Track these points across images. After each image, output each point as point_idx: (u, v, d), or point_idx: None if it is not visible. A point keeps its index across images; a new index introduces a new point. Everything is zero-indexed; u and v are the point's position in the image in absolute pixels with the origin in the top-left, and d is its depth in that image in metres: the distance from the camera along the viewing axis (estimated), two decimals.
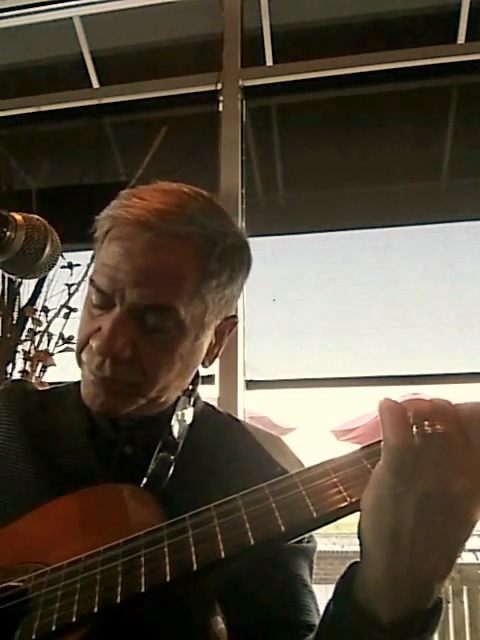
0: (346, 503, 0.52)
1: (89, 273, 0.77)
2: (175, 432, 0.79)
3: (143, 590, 0.51)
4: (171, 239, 0.71)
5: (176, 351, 0.74)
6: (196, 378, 0.86)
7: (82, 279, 2.38)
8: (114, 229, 0.74)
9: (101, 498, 0.68)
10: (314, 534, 0.83)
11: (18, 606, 0.56)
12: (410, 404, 0.52)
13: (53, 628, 0.53)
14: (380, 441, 0.54)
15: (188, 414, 0.83)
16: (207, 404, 0.92)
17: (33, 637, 0.53)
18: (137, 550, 0.54)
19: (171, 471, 0.74)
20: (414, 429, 0.50)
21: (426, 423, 0.50)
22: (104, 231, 0.76)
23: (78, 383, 0.90)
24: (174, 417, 0.80)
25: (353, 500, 0.52)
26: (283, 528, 0.51)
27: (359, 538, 0.53)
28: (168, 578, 0.51)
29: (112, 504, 0.67)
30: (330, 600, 0.59)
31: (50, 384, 0.94)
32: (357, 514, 0.55)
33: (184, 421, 0.82)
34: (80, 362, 0.78)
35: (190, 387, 0.84)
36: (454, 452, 0.49)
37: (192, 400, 0.85)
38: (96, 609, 0.52)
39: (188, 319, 0.73)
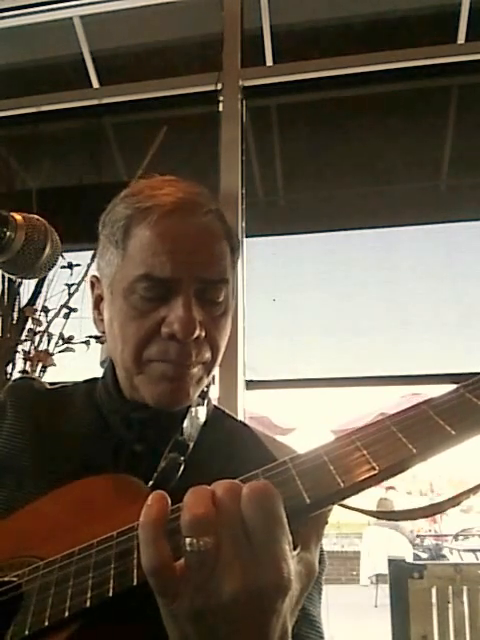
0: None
1: (131, 272, 0.73)
2: (187, 431, 0.78)
3: (135, 583, 0.51)
4: (210, 219, 0.76)
5: (225, 325, 0.79)
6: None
7: (82, 279, 2.38)
8: (149, 220, 0.74)
9: (96, 489, 0.67)
10: None
11: (11, 601, 0.56)
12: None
13: (46, 623, 0.53)
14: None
15: (202, 412, 0.83)
16: (217, 407, 0.91)
17: (26, 633, 0.53)
18: (130, 542, 0.54)
19: (180, 472, 0.73)
20: (184, 542, 0.47)
21: (188, 540, 0.46)
22: (123, 228, 0.75)
23: (86, 382, 0.90)
24: (188, 414, 0.80)
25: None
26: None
27: None
28: None
29: (107, 495, 0.66)
30: None
31: (51, 384, 0.94)
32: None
33: (197, 419, 0.81)
34: (140, 364, 0.75)
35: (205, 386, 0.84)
36: (219, 563, 0.46)
37: (205, 400, 0.84)
38: (88, 604, 0.52)
39: (230, 292, 0.79)
